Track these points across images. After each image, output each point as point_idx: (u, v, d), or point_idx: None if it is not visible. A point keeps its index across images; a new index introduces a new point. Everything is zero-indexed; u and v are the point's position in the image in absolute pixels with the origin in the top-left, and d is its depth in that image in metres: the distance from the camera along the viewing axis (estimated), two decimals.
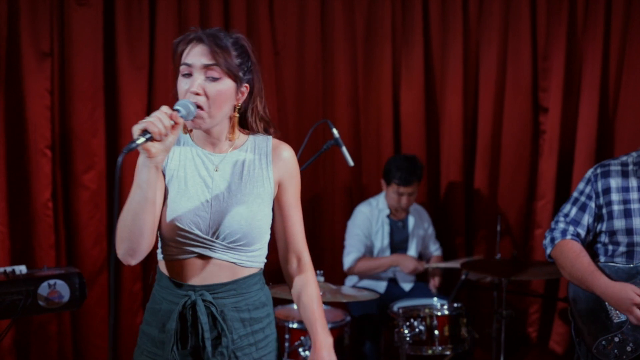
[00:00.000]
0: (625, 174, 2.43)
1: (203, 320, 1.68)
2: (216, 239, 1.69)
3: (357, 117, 4.00)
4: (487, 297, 3.96)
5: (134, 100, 3.61)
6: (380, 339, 3.52)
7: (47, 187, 3.49)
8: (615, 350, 2.36)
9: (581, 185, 2.52)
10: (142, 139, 1.48)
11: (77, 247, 3.60)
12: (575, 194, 2.54)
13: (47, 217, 3.49)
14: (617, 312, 2.37)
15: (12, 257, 3.46)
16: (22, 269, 2.61)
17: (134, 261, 1.64)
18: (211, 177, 1.72)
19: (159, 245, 1.77)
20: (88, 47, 3.51)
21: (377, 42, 3.94)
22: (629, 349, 2.35)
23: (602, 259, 2.46)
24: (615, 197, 2.42)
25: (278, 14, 3.82)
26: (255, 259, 1.77)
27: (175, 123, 1.54)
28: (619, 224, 2.39)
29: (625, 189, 2.41)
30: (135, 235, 1.60)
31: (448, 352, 3.15)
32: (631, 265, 2.37)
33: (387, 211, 3.73)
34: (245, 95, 1.74)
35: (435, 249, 3.91)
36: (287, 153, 1.80)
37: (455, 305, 3.25)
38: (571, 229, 2.49)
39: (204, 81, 1.64)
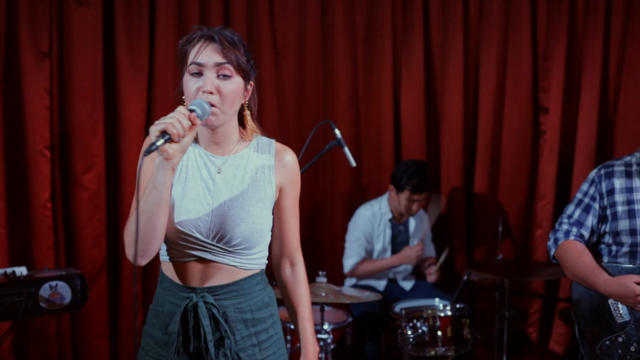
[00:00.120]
0: (629, 175, 2.44)
1: (205, 322, 1.68)
2: (216, 242, 1.68)
3: (357, 117, 3.99)
4: (487, 297, 3.96)
5: (134, 101, 3.60)
6: (381, 340, 3.52)
7: (46, 187, 3.48)
8: (619, 351, 2.37)
9: (585, 187, 2.52)
10: (161, 141, 1.46)
11: (77, 247, 3.59)
12: (578, 195, 2.53)
13: (46, 218, 3.48)
14: (621, 312, 2.37)
15: (10, 258, 3.45)
16: (22, 270, 2.59)
17: (144, 261, 1.64)
18: (213, 180, 1.71)
19: (161, 246, 1.76)
20: (87, 47, 3.50)
21: (378, 42, 3.93)
22: (632, 349, 2.35)
23: (605, 259, 2.47)
24: (619, 197, 2.42)
25: (278, 14, 3.81)
26: (256, 261, 1.76)
27: (193, 124, 1.53)
28: (623, 224, 2.40)
29: (629, 190, 2.41)
30: (148, 237, 1.59)
31: (450, 353, 3.15)
32: (634, 265, 2.38)
33: (390, 215, 3.72)
34: (251, 92, 1.74)
35: (430, 250, 3.92)
36: (290, 158, 1.80)
37: (457, 306, 3.24)
38: (575, 230, 2.49)
39: (216, 79, 1.64)
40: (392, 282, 3.75)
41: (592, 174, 2.52)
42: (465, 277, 3.35)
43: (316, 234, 3.98)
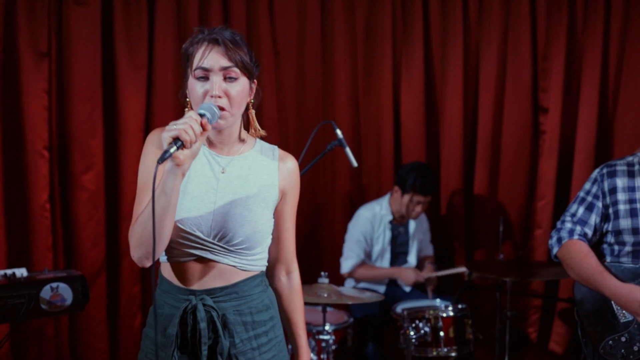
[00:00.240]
0: (631, 174, 2.44)
1: (202, 325, 1.67)
2: (217, 241, 1.68)
3: (357, 117, 3.99)
4: (487, 297, 3.96)
5: (133, 101, 3.58)
6: (382, 341, 3.51)
7: (45, 188, 3.46)
8: (622, 350, 2.36)
9: (587, 185, 2.52)
10: (174, 148, 1.47)
11: (76, 248, 3.57)
12: (581, 194, 2.53)
13: (44, 219, 3.46)
14: (624, 311, 2.37)
15: (9, 259, 3.43)
16: (22, 271, 2.57)
17: (149, 263, 1.63)
18: (217, 179, 1.71)
19: None
20: (86, 47, 3.48)
21: (377, 42, 3.93)
22: (635, 348, 2.35)
23: (608, 259, 2.47)
24: (621, 196, 2.42)
25: (278, 14, 3.80)
26: (256, 262, 1.76)
27: (204, 129, 1.53)
28: (625, 223, 2.40)
29: (632, 189, 2.42)
30: (156, 239, 1.58)
31: (453, 354, 3.14)
32: (637, 265, 2.38)
33: (390, 217, 3.71)
34: (254, 90, 1.75)
35: (428, 250, 3.92)
36: (293, 164, 1.82)
37: (459, 306, 3.24)
38: (578, 228, 2.49)
39: (223, 82, 1.64)
40: (393, 284, 3.74)
41: (595, 173, 2.52)
42: (466, 278, 3.35)
43: (316, 234, 3.97)
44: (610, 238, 2.46)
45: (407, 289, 3.74)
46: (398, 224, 3.76)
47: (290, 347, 1.93)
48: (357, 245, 3.65)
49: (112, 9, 3.52)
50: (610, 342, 2.38)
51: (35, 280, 2.51)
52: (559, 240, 2.52)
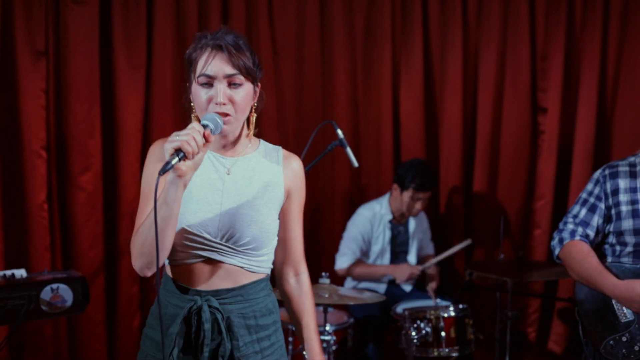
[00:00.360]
0: (633, 175, 2.44)
1: (206, 327, 1.67)
2: (225, 242, 1.68)
3: (357, 117, 3.98)
4: (487, 297, 3.96)
5: (131, 100, 3.57)
6: (383, 341, 3.51)
7: (43, 188, 3.44)
8: (623, 350, 2.36)
9: (589, 186, 2.53)
10: (176, 159, 1.47)
11: (74, 249, 3.55)
12: (583, 195, 2.53)
13: (42, 219, 3.44)
14: (625, 311, 2.37)
15: (6, 260, 3.41)
16: (22, 272, 2.56)
17: (150, 273, 1.63)
18: (222, 180, 1.71)
19: None
20: (84, 46, 3.46)
21: (377, 43, 3.92)
22: (636, 348, 2.35)
23: (609, 259, 2.47)
24: (623, 197, 2.42)
25: (277, 14, 3.79)
26: (263, 263, 1.76)
27: (207, 141, 1.53)
28: (626, 224, 2.40)
29: (634, 190, 2.42)
30: (158, 250, 1.58)
31: (454, 354, 3.14)
32: (638, 265, 2.38)
33: (390, 216, 3.71)
34: (258, 94, 1.75)
35: (429, 249, 3.92)
36: (297, 164, 1.82)
37: (460, 306, 3.24)
38: (580, 229, 2.49)
39: (227, 89, 1.64)
40: (393, 285, 3.74)
41: (597, 174, 2.52)
42: (467, 278, 3.35)
43: (315, 234, 3.96)
44: (612, 239, 2.46)
45: (408, 289, 3.74)
46: (398, 223, 3.75)
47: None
48: (354, 243, 3.65)
49: (111, 8, 3.50)
50: (611, 342, 2.38)
51: (35, 282, 2.50)
52: (561, 241, 2.53)
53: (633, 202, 2.40)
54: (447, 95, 4.01)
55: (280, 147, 1.83)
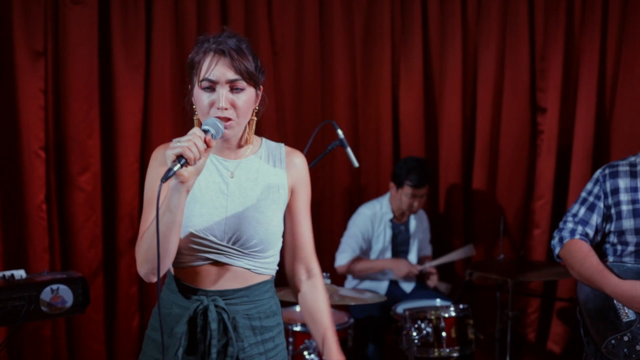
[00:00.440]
0: (633, 174, 2.45)
1: (213, 326, 1.67)
2: (232, 245, 1.69)
3: (356, 117, 3.98)
4: (487, 297, 3.96)
5: (130, 101, 3.56)
6: (383, 341, 3.50)
7: (41, 189, 3.43)
8: (625, 349, 2.37)
9: (589, 186, 2.53)
10: (177, 166, 1.47)
11: (72, 249, 3.54)
12: (583, 194, 2.54)
13: (41, 220, 3.43)
14: (626, 311, 2.38)
15: (5, 260, 3.39)
16: (21, 273, 2.54)
17: (155, 278, 1.63)
18: (226, 184, 1.71)
19: None
20: (83, 46, 3.45)
21: (376, 43, 3.92)
22: (638, 347, 2.35)
23: (610, 259, 2.47)
24: (623, 197, 2.43)
25: (276, 14, 3.78)
26: (269, 265, 1.77)
27: (208, 146, 1.53)
28: (627, 223, 2.40)
29: (634, 189, 2.42)
30: (160, 256, 1.58)
31: (455, 354, 3.14)
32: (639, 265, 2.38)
33: (391, 215, 3.70)
34: (260, 97, 1.75)
35: (427, 250, 3.92)
36: (300, 160, 1.82)
37: (461, 306, 3.24)
38: (580, 228, 2.49)
39: (229, 93, 1.64)
40: (394, 284, 3.74)
41: (597, 173, 2.53)
42: (467, 278, 3.35)
43: (315, 234, 3.92)
44: (612, 238, 2.46)
45: (408, 289, 3.73)
46: (399, 222, 3.75)
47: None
48: (353, 240, 3.65)
49: (110, 8, 3.49)
50: (613, 341, 2.39)
51: (35, 282, 2.48)
52: (561, 240, 2.53)
53: (634, 201, 2.41)
54: (447, 95, 4.01)
55: (282, 144, 1.83)
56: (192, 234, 1.66)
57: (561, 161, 3.98)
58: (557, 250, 2.55)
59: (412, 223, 3.79)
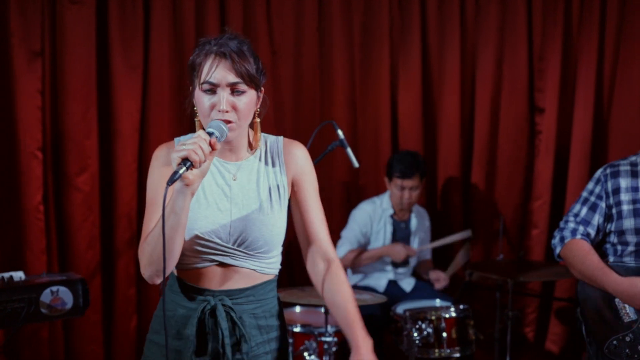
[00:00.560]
0: (634, 174, 2.45)
1: (223, 325, 1.67)
2: (237, 247, 1.69)
3: (355, 117, 3.97)
4: (487, 297, 3.96)
5: (128, 101, 3.55)
6: (382, 341, 3.50)
7: (39, 189, 3.42)
8: (627, 350, 2.37)
9: (590, 185, 2.53)
10: (183, 168, 1.47)
11: (70, 251, 3.52)
12: (584, 194, 2.54)
13: (38, 221, 3.42)
14: (628, 311, 2.38)
15: (2, 262, 3.37)
16: (20, 275, 2.53)
17: (159, 280, 1.63)
18: (229, 186, 1.71)
19: None
20: (81, 46, 3.44)
21: (375, 43, 3.92)
22: None
23: (611, 258, 2.48)
24: (624, 197, 2.43)
25: (275, 14, 3.77)
26: (273, 265, 1.77)
27: (213, 149, 1.53)
28: (628, 223, 2.41)
29: (635, 189, 2.43)
30: (166, 258, 1.57)
31: (456, 355, 3.14)
32: None
33: (391, 211, 3.70)
34: (261, 99, 1.75)
35: (426, 253, 3.91)
36: (297, 150, 1.80)
37: (462, 307, 3.23)
38: (581, 228, 2.50)
39: (230, 96, 1.64)
40: (393, 284, 3.73)
41: (598, 173, 2.53)
42: (467, 278, 3.35)
43: None
44: (613, 238, 2.47)
45: (408, 289, 3.73)
46: (399, 219, 3.75)
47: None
48: (351, 234, 3.66)
49: (107, 8, 3.48)
50: (615, 341, 2.39)
51: (34, 284, 2.47)
52: (562, 239, 2.53)
53: (634, 201, 2.41)
54: (445, 95, 4.01)
55: (281, 137, 1.82)
56: (197, 236, 1.66)
57: (559, 161, 3.98)
58: (558, 250, 2.55)
59: (413, 221, 3.78)
